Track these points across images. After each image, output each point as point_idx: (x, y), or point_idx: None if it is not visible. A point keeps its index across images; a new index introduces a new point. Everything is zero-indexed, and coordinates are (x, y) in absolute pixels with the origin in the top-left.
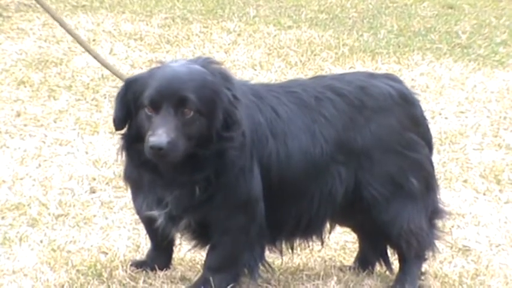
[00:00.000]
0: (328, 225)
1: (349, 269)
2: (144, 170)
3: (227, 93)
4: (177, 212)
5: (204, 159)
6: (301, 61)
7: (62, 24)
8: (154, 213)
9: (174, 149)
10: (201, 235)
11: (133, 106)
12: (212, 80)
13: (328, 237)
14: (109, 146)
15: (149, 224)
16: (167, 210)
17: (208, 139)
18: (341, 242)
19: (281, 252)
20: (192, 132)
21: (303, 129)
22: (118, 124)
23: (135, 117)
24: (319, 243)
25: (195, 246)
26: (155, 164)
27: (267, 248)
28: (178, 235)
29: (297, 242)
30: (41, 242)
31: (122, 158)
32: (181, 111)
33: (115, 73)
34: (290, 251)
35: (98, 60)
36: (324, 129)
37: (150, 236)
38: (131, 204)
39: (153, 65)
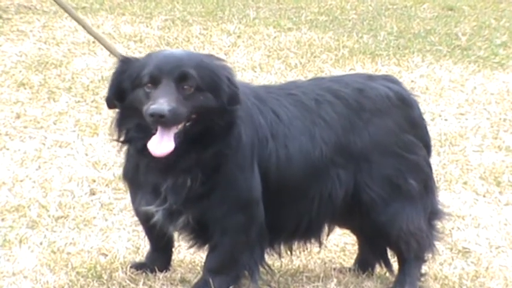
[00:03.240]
0: (327, 228)
1: (349, 271)
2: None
3: (225, 73)
4: (176, 204)
5: (215, 134)
6: (301, 63)
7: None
8: (152, 208)
9: (175, 117)
10: (199, 235)
11: (130, 85)
12: (208, 61)
13: (327, 239)
14: (109, 147)
15: (147, 223)
16: (166, 206)
17: (218, 113)
18: (341, 243)
19: (280, 255)
20: (197, 106)
21: (303, 132)
22: (109, 103)
23: (131, 97)
24: (318, 245)
25: (193, 246)
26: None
27: (265, 250)
28: (176, 233)
29: (295, 245)
30: (41, 244)
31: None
32: (182, 87)
33: (113, 52)
34: (289, 253)
35: (97, 38)
36: (324, 132)
37: (149, 237)
38: (131, 206)
39: None
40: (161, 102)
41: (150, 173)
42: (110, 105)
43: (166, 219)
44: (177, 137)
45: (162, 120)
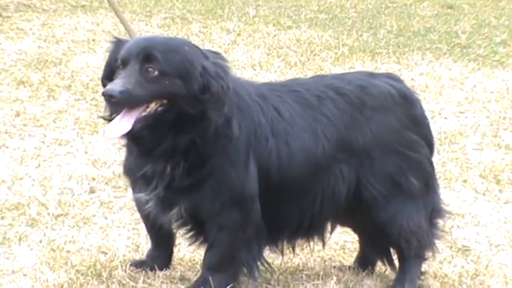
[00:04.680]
0: (329, 226)
1: (349, 269)
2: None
3: (203, 63)
4: (163, 192)
5: (188, 121)
6: (300, 61)
7: None
8: (143, 195)
9: (129, 99)
10: (198, 232)
11: (115, 66)
12: (187, 49)
13: (329, 238)
14: (108, 145)
15: (142, 213)
16: (156, 193)
17: (186, 101)
18: (340, 241)
19: (282, 252)
20: (160, 91)
21: (305, 129)
22: (102, 83)
23: (115, 77)
24: (321, 243)
25: (193, 243)
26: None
27: (268, 248)
28: (175, 229)
29: (298, 242)
30: (41, 242)
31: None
32: (146, 69)
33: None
34: (291, 251)
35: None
36: (326, 129)
37: (150, 234)
38: (131, 204)
39: None
40: (116, 83)
41: (134, 157)
42: (103, 85)
43: (159, 209)
44: (143, 120)
45: (113, 101)
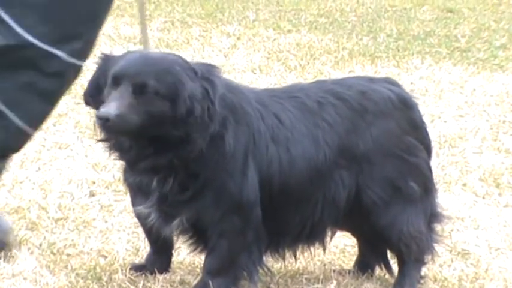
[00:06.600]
0: (329, 231)
1: (349, 273)
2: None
3: (192, 85)
4: (162, 203)
5: (169, 143)
6: (300, 65)
7: None
8: (142, 208)
9: (123, 124)
10: (199, 240)
11: (104, 83)
12: (178, 69)
13: (329, 242)
14: None
15: (145, 225)
16: (155, 205)
17: (174, 122)
18: (340, 245)
19: (284, 258)
20: (151, 113)
21: (306, 135)
22: (85, 99)
23: (103, 95)
24: (322, 249)
25: (194, 250)
26: (121, 142)
27: (269, 254)
28: (174, 236)
29: (299, 249)
30: (40, 245)
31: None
32: (139, 91)
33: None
34: (293, 257)
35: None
36: (327, 135)
37: (148, 239)
38: (131, 208)
39: None
40: (110, 105)
41: (125, 168)
42: (86, 101)
43: (162, 221)
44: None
45: (107, 125)
